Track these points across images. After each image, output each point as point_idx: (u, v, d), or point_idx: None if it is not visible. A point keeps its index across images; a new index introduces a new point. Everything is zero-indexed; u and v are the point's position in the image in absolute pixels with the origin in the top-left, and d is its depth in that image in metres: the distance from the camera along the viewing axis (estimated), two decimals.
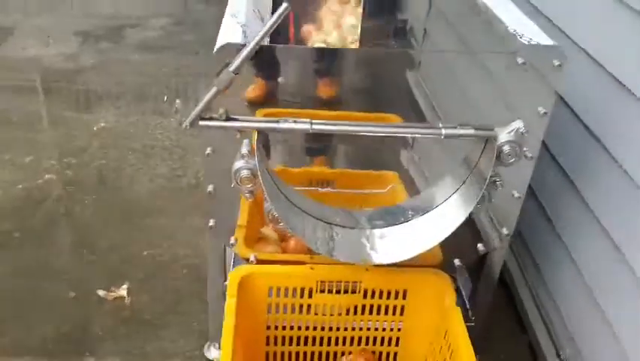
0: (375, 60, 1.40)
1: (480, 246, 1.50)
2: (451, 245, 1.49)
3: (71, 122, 2.93)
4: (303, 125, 1.23)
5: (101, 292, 1.92)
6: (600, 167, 1.53)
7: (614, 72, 1.46)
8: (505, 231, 1.47)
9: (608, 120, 1.50)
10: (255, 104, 1.36)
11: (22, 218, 2.24)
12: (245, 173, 1.27)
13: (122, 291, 1.92)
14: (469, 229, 1.46)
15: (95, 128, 2.88)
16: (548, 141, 1.80)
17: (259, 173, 1.25)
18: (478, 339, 1.71)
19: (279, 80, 1.37)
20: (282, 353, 1.54)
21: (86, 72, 3.50)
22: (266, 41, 1.28)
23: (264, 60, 1.29)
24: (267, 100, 1.37)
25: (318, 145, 1.63)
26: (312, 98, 1.39)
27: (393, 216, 1.43)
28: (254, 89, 1.36)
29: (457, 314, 1.39)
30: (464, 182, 1.36)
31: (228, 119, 1.21)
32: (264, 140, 1.44)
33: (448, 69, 1.48)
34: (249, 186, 1.29)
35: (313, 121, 1.23)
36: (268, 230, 1.67)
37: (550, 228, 1.79)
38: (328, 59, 1.42)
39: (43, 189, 2.41)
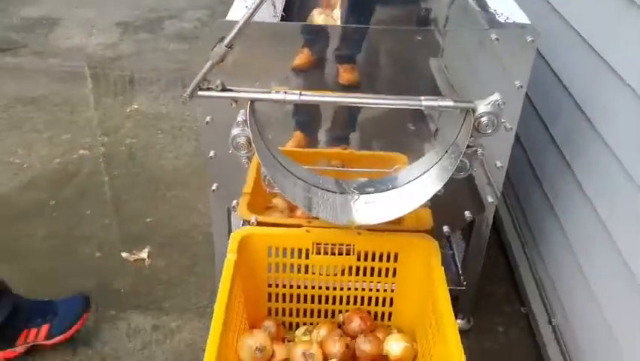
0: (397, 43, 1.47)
1: (467, 213, 1.58)
2: (440, 213, 1.59)
3: (107, 105, 3.14)
4: (292, 97, 1.34)
5: (124, 254, 2.10)
6: (586, 140, 1.59)
7: (601, 52, 1.53)
8: (490, 199, 1.55)
9: (594, 95, 1.57)
10: (300, 71, 1.48)
11: (57, 189, 2.44)
12: (241, 140, 1.39)
13: (143, 254, 2.10)
14: (458, 197, 1.55)
15: (128, 111, 3.08)
16: (543, 116, 1.88)
17: (252, 140, 1.37)
18: (471, 303, 1.81)
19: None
20: (283, 310, 1.65)
21: (124, 60, 3.71)
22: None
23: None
24: (310, 67, 1.47)
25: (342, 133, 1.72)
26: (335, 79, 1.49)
27: (381, 184, 1.53)
28: (300, 57, 1.48)
29: (439, 273, 1.47)
30: (446, 152, 1.44)
31: (224, 89, 1.33)
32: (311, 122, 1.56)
33: (462, 50, 1.51)
34: (245, 152, 1.42)
35: (302, 93, 1.34)
36: (278, 200, 1.79)
37: (545, 199, 1.86)
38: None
39: (77, 164, 2.61)
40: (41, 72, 3.50)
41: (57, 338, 1.73)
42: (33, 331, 1.71)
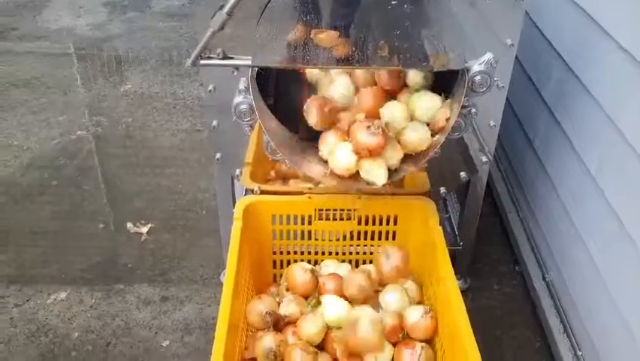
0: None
1: (462, 174, 1.62)
2: (436, 175, 1.64)
3: (101, 86, 3.14)
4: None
5: (128, 228, 2.14)
6: (576, 99, 1.64)
7: (589, 10, 1.57)
8: (484, 158, 1.59)
9: (583, 54, 1.61)
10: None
11: (58, 169, 2.47)
12: (243, 107, 1.43)
13: (146, 229, 2.14)
14: (453, 158, 1.59)
15: (122, 90, 3.09)
16: (534, 79, 1.92)
17: (255, 107, 1.40)
18: (468, 263, 1.86)
19: None
20: None
21: (114, 39, 3.70)
22: None
23: None
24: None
25: None
26: None
27: None
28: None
29: (438, 233, 1.52)
30: None
31: (225, 57, 1.36)
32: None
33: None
34: (248, 119, 1.45)
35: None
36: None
37: (537, 161, 1.91)
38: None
39: (76, 144, 2.63)
40: (32, 54, 3.49)
41: None
42: None
